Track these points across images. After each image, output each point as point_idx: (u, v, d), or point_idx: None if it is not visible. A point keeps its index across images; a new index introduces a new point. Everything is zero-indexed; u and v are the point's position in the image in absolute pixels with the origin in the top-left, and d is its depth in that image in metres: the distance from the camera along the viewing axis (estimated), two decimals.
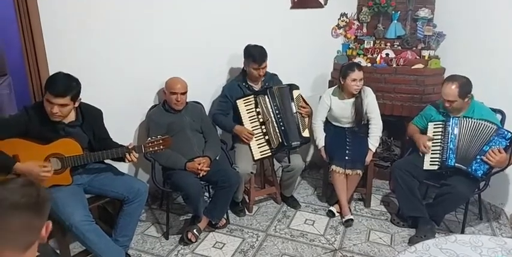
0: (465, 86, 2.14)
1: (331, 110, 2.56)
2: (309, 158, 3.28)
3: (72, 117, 1.87)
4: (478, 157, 2.11)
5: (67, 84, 1.74)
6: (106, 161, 2.00)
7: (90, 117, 1.93)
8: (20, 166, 1.68)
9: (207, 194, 2.58)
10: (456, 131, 2.19)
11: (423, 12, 2.78)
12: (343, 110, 2.53)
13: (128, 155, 1.85)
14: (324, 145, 2.55)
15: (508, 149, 2.04)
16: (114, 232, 1.95)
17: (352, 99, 2.49)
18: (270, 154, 2.45)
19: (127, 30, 2.27)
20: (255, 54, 2.39)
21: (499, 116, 2.31)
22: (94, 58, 2.19)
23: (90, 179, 1.95)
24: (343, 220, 2.41)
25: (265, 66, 2.43)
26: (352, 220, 2.40)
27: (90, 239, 1.75)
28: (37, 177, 1.68)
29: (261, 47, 2.43)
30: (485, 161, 2.07)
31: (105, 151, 1.83)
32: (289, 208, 2.68)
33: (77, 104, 1.82)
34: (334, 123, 2.62)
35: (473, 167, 2.11)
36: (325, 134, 2.57)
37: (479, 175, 2.11)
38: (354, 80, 2.39)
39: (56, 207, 1.73)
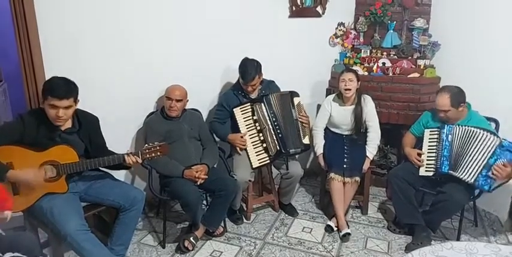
0: (457, 95, 2.17)
1: (331, 117, 2.58)
2: (307, 166, 3.29)
3: (68, 124, 1.85)
4: (484, 171, 2.08)
5: (67, 86, 1.75)
6: (103, 169, 1.98)
7: (87, 124, 1.92)
8: (14, 173, 1.66)
9: (204, 202, 2.56)
10: (450, 138, 2.22)
11: (419, 22, 2.83)
12: (343, 116, 2.55)
13: (127, 158, 1.83)
14: (322, 152, 2.56)
15: None
16: (110, 240, 1.92)
17: (352, 107, 2.52)
18: (268, 161, 2.45)
19: (126, 38, 2.28)
20: (242, 72, 2.40)
21: (492, 125, 2.34)
22: (92, 65, 2.19)
23: (86, 187, 1.93)
24: (341, 234, 2.38)
25: (255, 84, 2.41)
26: (349, 234, 2.37)
27: (85, 248, 1.72)
28: (31, 184, 1.67)
29: (251, 65, 2.36)
30: (493, 177, 2.05)
31: (101, 158, 1.81)
32: (287, 215, 2.67)
33: (77, 106, 1.82)
34: (333, 129, 2.64)
35: (480, 181, 2.09)
36: (324, 141, 2.59)
37: (487, 188, 2.09)
38: (343, 80, 2.45)
39: (51, 215, 1.71)
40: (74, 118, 1.88)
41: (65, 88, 1.73)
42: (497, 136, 2.12)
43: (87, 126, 1.91)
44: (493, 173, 2.04)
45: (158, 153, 1.89)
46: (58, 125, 1.81)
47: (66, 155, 1.78)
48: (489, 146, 2.09)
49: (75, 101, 1.79)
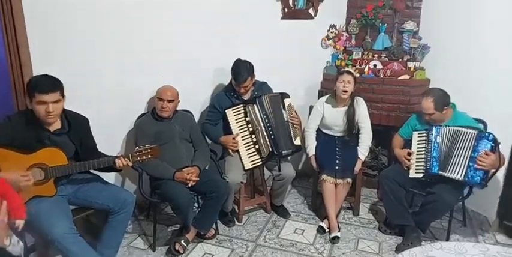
0: (440, 98, 2.21)
1: (323, 118, 2.59)
2: (299, 167, 3.29)
3: (57, 125, 1.82)
4: (471, 164, 2.12)
5: (51, 80, 1.73)
6: (93, 171, 1.95)
7: (77, 125, 1.88)
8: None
9: (196, 204, 2.54)
10: (439, 139, 2.25)
11: (409, 25, 2.87)
12: (335, 118, 2.56)
13: (117, 161, 1.80)
14: (314, 153, 2.56)
15: (495, 149, 2.07)
16: (99, 244, 1.89)
17: (345, 108, 2.54)
18: (261, 162, 2.45)
19: (117, 38, 2.26)
20: (234, 73, 2.39)
21: (480, 126, 2.37)
22: (82, 66, 2.15)
23: (75, 190, 1.90)
24: (330, 236, 2.39)
25: (247, 85, 2.41)
26: (338, 237, 2.37)
27: (73, 252, 1.68)
28: (17, 186, 1.62)
29: (244, 67, 2.36)
30: (479, 167, 2.09)
31: (91, 161, 1.79)
32: (279, 217, 2.67)
33: (65, 102, 1.78)
34: (325, 131, 2.65)
35: (470, 175, 2.12)
36: (316, 142, 2.59)
37: (478, 181, 2.10)
38: (342, 81, 2.46)
39: (38, 219, 1.66)
40: (63, 119, 1.84)
41: (50, 82, 1.71)
42: (475, 128, 2.17)
43: (76, 127, 1.88)
44: (478, 164, 2.08)
45: (149, 156, 1.87)
46: (48, 125, 1.77)
47: (55, 158, 1.74)
48: (470, 140, 2.14)
49: (63, 96, 1.76)
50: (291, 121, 2.48)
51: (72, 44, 2.09)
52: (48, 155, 1.73)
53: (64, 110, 1.83)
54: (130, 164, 1.84)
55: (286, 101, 2.49)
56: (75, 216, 1.84)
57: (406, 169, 2.33)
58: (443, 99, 2.21)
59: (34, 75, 1.93)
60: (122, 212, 1.88)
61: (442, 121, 2.28)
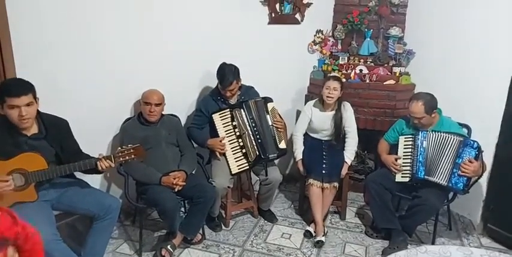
0: (430, 102, 2.24)
1: (311, 122, 2.61)
2: (287, 171, 3.30)
3: (35, 129, 1.78)
4: (455, 170, 2.15)
5: (22, 83, 1.69)
6: (78, 175, 1.92)
7: (55, 128, 1.84)
8: None
9: (182, 209, 2.52)
10: (425, 144, 2.28)
11: (394, 31, 2.92)
12: (322, 122, 2.58)
13: (99, 164, 1.77)
14: (301, 158, 2.57)
15: (478, 157, 2.12)
16: (83, 250, 1.86)
17: (332, 113, 2.56)
18: (248, 167, 2.44)
19: (102, 42, 2.24)
20: (220, 77, 2.40)
21: (465, 131, 2.42)
22: (67, 70, 2.13)
23: (58, 195, 1.86)
24: (314, 240, 2.39)
25: (233, 89, 2.41)
26: (322, 241, 2.37)
27: None
28: None
29: (229, 70, 2.36)
30: (462, 174, 2.13)
31: (71, 164, 1.75)
32: (266, 222, 2.66)
33: (38, 105, 1.75)
34: (312, 135, 2.66)
35: (453, 181, 2.15)
36: (303, 147, 2.60)
37: (461, 187, 2.14)
38: (327, 87, 2.48)
39: None
40: (40, 123, 1.81)
41: (20, 85, 1.67)
42: (461, 135, 2.21)
43: (55, 130, 1.84)
44: (462, 171, 2.12)
45: (132, 156, 1.83)
46: (25, 130, 1.74)
47: (34, 163, 1.71)
48: (456, 146, 2.18)
49: (35, 98, 1.72)
50: (275, 125, 2.49)
51: (57, 47, 2.08)
52: (27, 160, 1.70)
53: (40, 114, 1.80)
54: (113, 165, 1.80)
55: (270, 105, 2.51)
56: (59, 222, 1.81)
57: (393, 173, 2.36)
58: (431, 103, 2.24)
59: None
60: (106, 218, 1.85)
61: (429, 125, 2.31)
